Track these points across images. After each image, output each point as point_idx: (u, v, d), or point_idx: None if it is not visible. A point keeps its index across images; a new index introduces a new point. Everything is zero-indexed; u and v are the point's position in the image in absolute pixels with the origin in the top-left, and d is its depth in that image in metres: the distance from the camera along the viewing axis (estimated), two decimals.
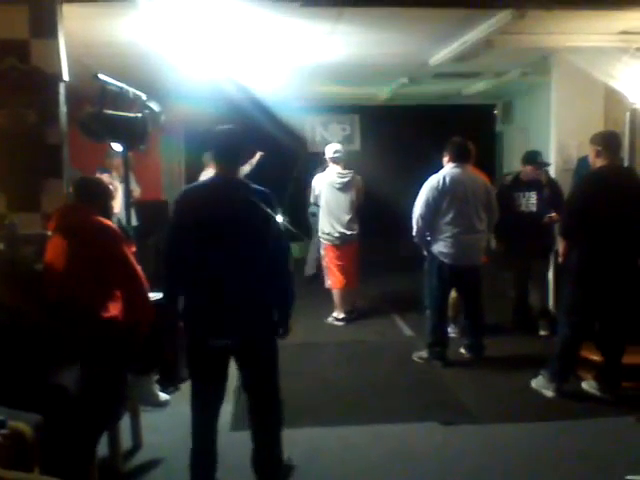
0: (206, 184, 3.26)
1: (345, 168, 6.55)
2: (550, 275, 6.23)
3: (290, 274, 3.20)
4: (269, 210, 3.05)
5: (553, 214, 5.71)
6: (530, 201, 5.93)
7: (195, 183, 3.38)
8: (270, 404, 3.25)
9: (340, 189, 6.47)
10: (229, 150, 3.16)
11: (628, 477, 3.19)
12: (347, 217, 6.47)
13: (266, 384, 3.24)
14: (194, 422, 3.21)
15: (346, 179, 6.47)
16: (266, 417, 3.25)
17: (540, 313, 6.05)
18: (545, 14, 4.80)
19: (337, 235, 6.49)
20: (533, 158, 5.96)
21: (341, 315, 6.60)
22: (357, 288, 6.82)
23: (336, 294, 6.58)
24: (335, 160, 6.53)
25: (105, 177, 6.07)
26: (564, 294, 4.67)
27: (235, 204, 3.05)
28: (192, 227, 3.03)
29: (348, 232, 6.48)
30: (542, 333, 5.95)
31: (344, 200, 6.48)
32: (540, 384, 4.59)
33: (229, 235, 3.00)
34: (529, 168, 5.94)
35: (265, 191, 3.11)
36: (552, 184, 5.88)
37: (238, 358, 3.19)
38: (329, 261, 6.61)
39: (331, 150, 6.56)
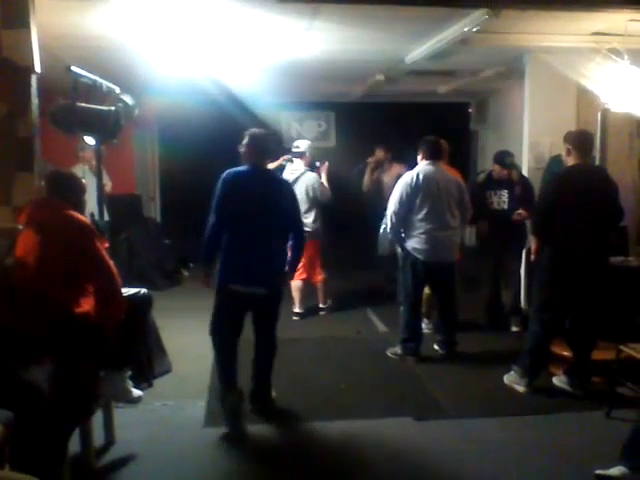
0: (244, 170, 4.10)
1: (311, 164, 6.49)
2: (522, 272, 6.31)
3: (302, 234, 4.28)
4: (286, 190, 4.20)
5: (521, 211, 5.79)
6: (502, 199, 5.99)
7: (235, 168, 4.12)
8: (271, 338, 4.24)
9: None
10: (259, 148, 4.10)
11: (597, 471, 3.23)
12: None
13: (272, 324, 4.22)
14: (218, 345, 4.13)
15: (294, 175, 6.38)
16: (267, 347, 4.22)
17: (512, 310, 6.13)
18: (520, 14, 4.85)
19: None
20: (500, 158, 6.05)
21: (297, 309, 6.58)
22: (325, 285, 6.71)
23: (292, 286, 6.49)
24: (295, 155, 6.50)
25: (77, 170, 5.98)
26: (535, 291, 4.72)
27: (264, 185, 4.08)
28: (234, 200, 4.01)
29: None
30: (514, 329, 6.02)
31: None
32: (512, 379, 4.64)
33: (261, 207, 3.99)
34: (497, 167, 6.03)
35: (283, 178, 4.59)
36: (523, 182, 5.94)
37: (258, 302, 4.05)
38: None
39: (294, 145, 6.58)
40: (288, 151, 6.81)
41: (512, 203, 5.91)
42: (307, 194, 6.36)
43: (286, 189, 4.22)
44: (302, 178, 6.41)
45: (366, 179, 7.73)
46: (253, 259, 3.98)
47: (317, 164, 6.59)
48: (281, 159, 6.79)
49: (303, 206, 6.28)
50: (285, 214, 4.11)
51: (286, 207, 4.12)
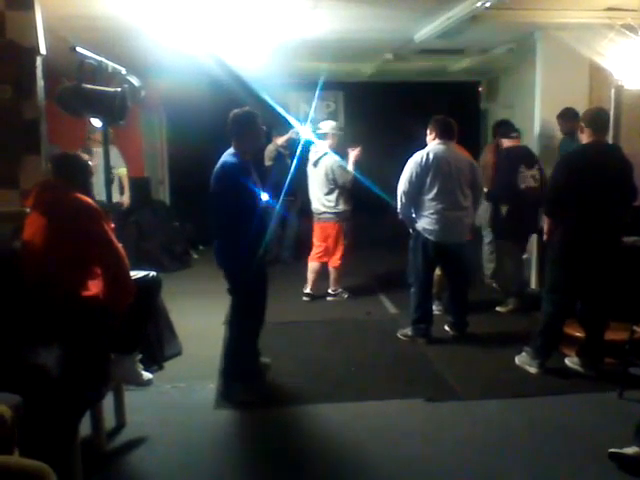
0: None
1: (334, 146, 6.42)
2: (534, 253, 6.28)
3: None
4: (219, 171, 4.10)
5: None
6: None
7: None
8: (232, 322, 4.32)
9: (313, 166, 6.45)
10: (228, 129, 4.12)
11: (611, 450, 3.22)
12: (321, 194, 6.39)
13: (233, 307, 4.28)
14: None
15: (316, 157, 6.41)
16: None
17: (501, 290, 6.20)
18: None
19: (314, 211, 6.50)
20: None
21: (307, 290, 6.55)
22: (339, 272, 6.58)
23: (309, 267, 6.54)
24: (320, 137, 6.50)
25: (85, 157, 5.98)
26: (548, 271, 4.67)
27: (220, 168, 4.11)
28: None
29: (321, 209, 6.40)
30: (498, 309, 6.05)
31: (317, 178, 6.41)
32: (524, 360, 4.61)
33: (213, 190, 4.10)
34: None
35: (226, 159, 4.09)
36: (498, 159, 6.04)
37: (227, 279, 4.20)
38: (314, 235, 6.61)
39: (317, 127, 6.56)
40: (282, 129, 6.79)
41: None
42: (326, 176, 6.33)
43: (218, 170, 4.08)
44: (322, 160, 6.40)
45: None
46: (215, 240, 4.25)
47: (349, 150, 6.46)
48: (290, 133, 6.79)
49: (324, 188, 6.38)
50: (222, 197, 4.05)
51: (219, 191, 4.06)
